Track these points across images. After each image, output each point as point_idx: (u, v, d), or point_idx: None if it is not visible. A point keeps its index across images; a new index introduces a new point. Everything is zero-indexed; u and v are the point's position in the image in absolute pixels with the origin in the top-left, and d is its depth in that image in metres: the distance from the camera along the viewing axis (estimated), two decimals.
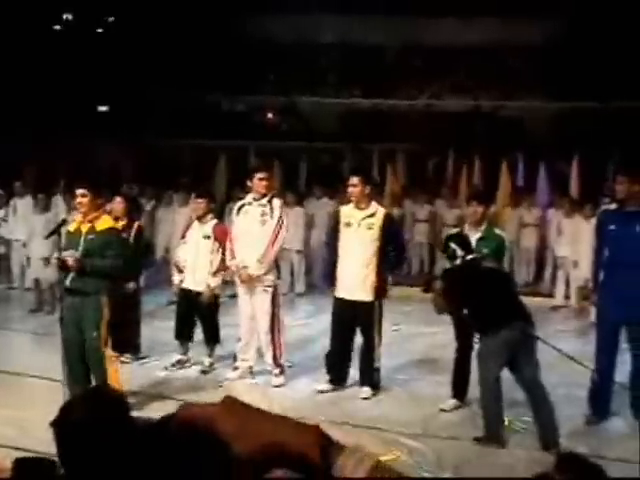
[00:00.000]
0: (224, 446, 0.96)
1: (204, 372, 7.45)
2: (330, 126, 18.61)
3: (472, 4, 17.02)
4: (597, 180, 13.49)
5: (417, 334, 9.21)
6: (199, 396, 6.28)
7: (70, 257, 5.88)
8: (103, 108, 18.58)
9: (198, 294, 7.46)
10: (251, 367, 7.26)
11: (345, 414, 6.18)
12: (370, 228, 6.72)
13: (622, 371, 6.15)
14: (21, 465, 1.42)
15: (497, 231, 6.63)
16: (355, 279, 6.72)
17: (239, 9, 17.87)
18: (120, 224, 7.23)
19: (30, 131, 15.28)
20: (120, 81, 17.55)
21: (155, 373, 7.40)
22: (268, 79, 19.36)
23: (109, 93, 17.92)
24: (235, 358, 7.33)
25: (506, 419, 5.77)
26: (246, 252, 7.04)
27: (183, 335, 7.64)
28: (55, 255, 5.99)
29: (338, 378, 6.89)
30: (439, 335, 7.78)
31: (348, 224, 6.81)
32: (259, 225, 7.04)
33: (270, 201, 7.10)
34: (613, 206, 6.24)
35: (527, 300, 6.27)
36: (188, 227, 7.81)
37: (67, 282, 5.99)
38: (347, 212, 6.90)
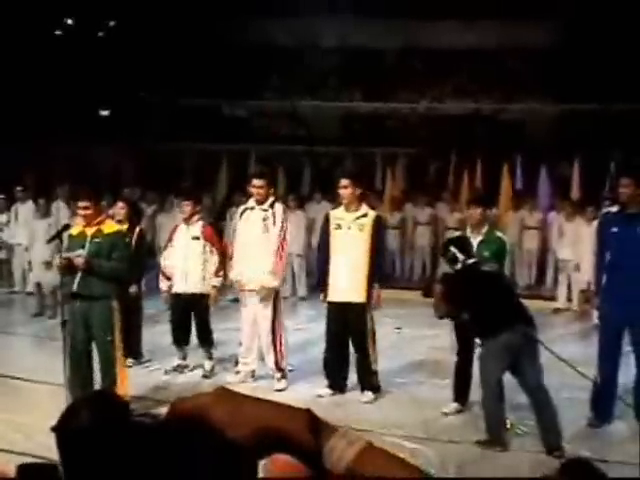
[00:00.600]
0: (218, 434, 0.96)
1: (205, 376, 7.45)
2: (331, 130, 18.62)
3: (473, 7, 17.04)
4: (598, 182, 13.50)
5: (418, 337, 9.20)
6: None
7: (78, 257, 5.90)
8: (104, 112, 18.59)
9: (192, 296, 7.45)
10: (253, 371, 7.26)
11: (346, 418, 6.16)
12: (361, 229, 6.72)
13: (625, 374, 6.15)
14: (24, 471, 1.41)
15: (498, 234, 6.63)
16: (346, 281, 6.71)
17: (239, 13, 17.89)
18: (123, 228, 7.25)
19: (31, 135, 15.30)
20: (121, 85, 17.57)
21: (157, 377, 7.40)
22: (269, 83, 19.38)
23: (110, 97, 17.93)
24: (236, 362, 7.33)
25: (508, 422, 5.77)
26: (247, 262, 7.04)
27: (180, 341, 7.63)
28: (64, 255, 5.97)
29: (337, 384, 6.90)
30: (440, 338, 7.77)
31: (338, 226, 6.80)
32: (260, 231, 7.03)
33: (272, 206, 7.10)
34: (615, 208, 6.24)
35: (529, 303, 6.26)
36: (174, 230, 7.74)
37: (74, 287, 6.00)
38: (337, 215, 6.91)
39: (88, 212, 6.06)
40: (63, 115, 16.14)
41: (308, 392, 6.92)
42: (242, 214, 7.23)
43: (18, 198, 11.61)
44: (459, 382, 6.44)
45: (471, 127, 17.89)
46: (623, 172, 6.41)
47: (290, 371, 7.30)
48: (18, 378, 7.17)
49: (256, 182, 7.10)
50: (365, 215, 6.78)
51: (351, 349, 6.89)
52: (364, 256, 6.70)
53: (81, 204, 6.12)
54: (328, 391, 6.86)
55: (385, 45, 18.73)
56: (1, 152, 14.23)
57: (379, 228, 6.89)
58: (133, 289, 7.66)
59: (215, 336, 7.77)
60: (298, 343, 8.24)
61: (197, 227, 7.54)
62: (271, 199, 7.15)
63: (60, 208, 11.64)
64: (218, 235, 8.04)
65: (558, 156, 15.51)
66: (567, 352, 5.94)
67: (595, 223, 7.18)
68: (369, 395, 6.75)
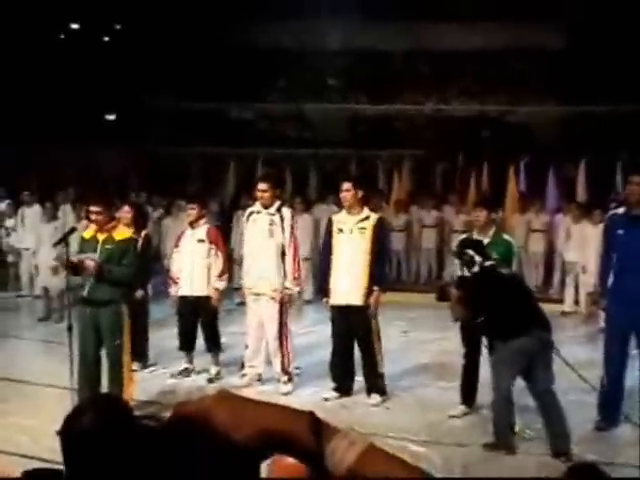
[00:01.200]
0: (221, 436, 0.96)
1: (210, 380, 7.45)
2: (337, 132, 18.63)
3: (478, 9, 17.03)
4: (605, 185, 13.45)
5: (425, 340, 9.19)
6: None
7: (90, 260, 5.91)
8: (110, 116, 18.64)
9: (198, 299, 7.45)
10: (260, 374, 7.26)
11: (352, 421, 6.15)
12: (363, 233, 6.72)
13: (632, 376, 6.12)
14: (29, 478, 1.42)
15: (505, 237, 6.61)
16: (347, 283, 6.71)
17: (245, 16, 17.92)
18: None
19: (37, 140, 15.34)
20: (127, 89, 17.61)
21: (163, 382, 7.41)
22: (275, 86, 19.41)
23: (116, 101, 17.98)
24: (243, 365, 7.33)
25: (516, 426, 5.75)
26: (254, 268, 7.07)
27: (187, 346, 7.63)
28: (76, 257, 5.99)
29: (343, 387, 6.89)
30: (447, 341, 7.76)
31: (340, 230, 6.81)
32: (267, 235, 7.03)
33: (279, 210, 7.10)
34: (621, 210, 6.22)
35: None
36: (181, 235, 7.75)
37: (85, 292, 6.02)
38: (339, 219, 6.92)
39: (100, 217, 6.08)
40: (69, 119, 16.18)
41: (314, 395, 6.92)
42: (249, 217, 7.25)
43: (25, 202, 11.64)
44: (466, 384, 6.41)
45: (477, 129, 17.89)
46: (632, 171, 6.35)
47: (297, 374, 7.30)
48: (24, 381, 7.20)
49: (260, 185, 7.12)
50: (367, 218, 6.78)
51: (357, 352, 6.90)
52: (365, 259, 6.69)
53: (93, 209, 6.13)
54: (334, 394, 6.85)
55: (391, 47, 18.73)
56: (7, 156, 14.27)
57: (381, 231, 6.88)
58: (139, 293, 7.67)
59: (221, 340, 7.77)
60: (304, 346, 8.23)
61: (202, 230, 7.55)
62: (277, 203, 7.14)
63: (67, 212, 11.67)
64: (223, 237, 8.05)
65: (564, 158, 15.47)
66: (574, 355, 5.92)
67: (602, 226, 7.15)
68: (376, 398, 6.74)
